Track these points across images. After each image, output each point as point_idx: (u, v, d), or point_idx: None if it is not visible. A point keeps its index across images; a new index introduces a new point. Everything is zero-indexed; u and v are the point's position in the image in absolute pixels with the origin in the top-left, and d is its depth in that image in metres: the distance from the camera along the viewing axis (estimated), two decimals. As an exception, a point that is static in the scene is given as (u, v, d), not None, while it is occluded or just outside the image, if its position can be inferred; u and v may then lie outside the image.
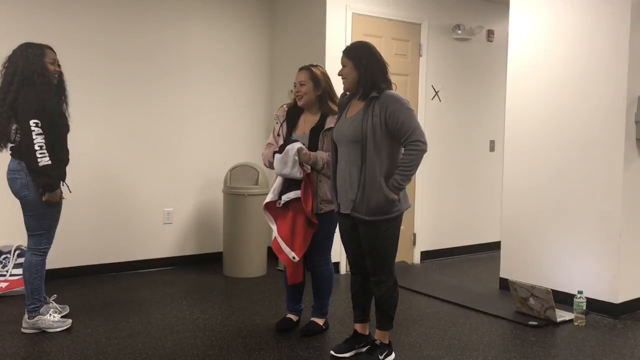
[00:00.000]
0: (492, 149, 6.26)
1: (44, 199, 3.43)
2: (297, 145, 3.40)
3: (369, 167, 2.97)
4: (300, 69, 3.59)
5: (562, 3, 4.32)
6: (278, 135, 3.65)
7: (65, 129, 3.60)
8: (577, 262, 4.21)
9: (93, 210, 4.91)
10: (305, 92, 3.51)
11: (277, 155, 3.47)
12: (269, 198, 3.59)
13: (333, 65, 4.94)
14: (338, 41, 5.02)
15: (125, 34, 5.00)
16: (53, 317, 3.61)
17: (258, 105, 5.77)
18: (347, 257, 3.33)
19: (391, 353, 3.20)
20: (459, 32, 5.78)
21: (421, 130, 2.99)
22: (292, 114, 3.62)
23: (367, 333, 3.33)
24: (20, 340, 3.44)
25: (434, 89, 5.75)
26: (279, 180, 3.57)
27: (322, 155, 3.41)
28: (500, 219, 4.85)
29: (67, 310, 3.88)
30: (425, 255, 5.80)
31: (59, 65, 3.61)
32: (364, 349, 3.25)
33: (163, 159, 5.25)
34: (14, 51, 3.47)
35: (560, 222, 4.32)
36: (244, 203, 4.97)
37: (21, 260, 4.32)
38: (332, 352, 3.27)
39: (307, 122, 3.56)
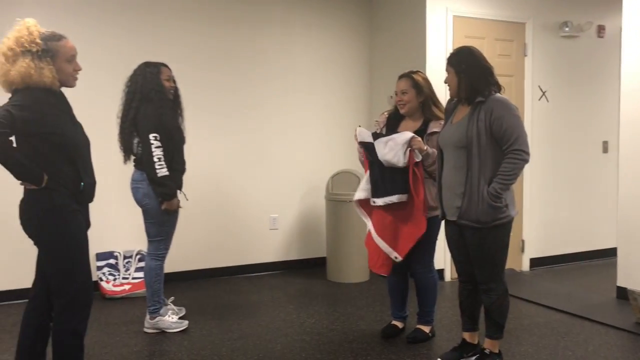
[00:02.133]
0: (605, 150, 5.92)
1: (162, 207, 3.67)
2: (410, 134, 3.33)
3: (474, 173, 2.93)
4: (401, 77, 3.59)
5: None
6: None
7: (182, 141, 3.83)
8: None
9: (205, 217, 5.17)
10: (408, 100, 3.51)
11: (381, 138, 3.42)
12: (360, 195, 3.57)
13: (434, 70, 4.94)
14: (439, 45, 4.98)
15: (228, 47, 5.24)
16: (171, 319, 3.84)
17: (358, 112, 5.83)
18: (455, 264, 3.29)
19: (501, 362, 3.13)
20: (567, 29, 5.53)
21: (525, 139, 2.91)
22: (393, 121, 3.63)
23: (476, 342, 3.27)
24: (143, 339, 3.69)
25: (541, 90, 5.53)
26: (367, 177, 3.54)
27: (434, 153, 3.33)
28: (615, 223, 4.58)
29: (183, 311, 4.11)
30: (535, 262, 5.59)
31: (174, 81, 3.84)
32: (473, 358, 3.19)
33: (268, 167, 5.44)
34: (134, 71, 3.74)
35: (686, 228, 4.02)
36: (345, 209, 5.03)
37: (142, 264, 4.64)
38: (439, 360, 3.24)
39: (407, 128, 3.54)
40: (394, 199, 3.43)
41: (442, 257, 5.02)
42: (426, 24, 4.96)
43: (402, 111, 3.55)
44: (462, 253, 3.14)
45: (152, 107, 3.62)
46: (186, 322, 3.88)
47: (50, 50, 2.55)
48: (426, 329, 3.65)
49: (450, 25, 5.03)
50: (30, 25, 2.53)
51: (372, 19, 5.82)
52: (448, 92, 3.19)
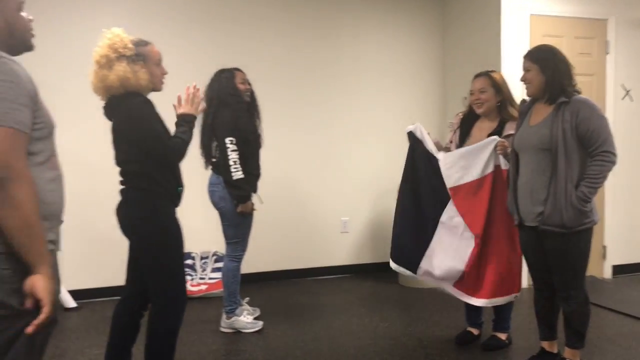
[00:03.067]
0: (695, 151, 5.57)
1: (237, 210, 3.76)
2: (497, 138, 3.22)
3: (559, 177, 2.82)
4: (478, 76, 3.50)
5: None
6: (451, 142, 3.62)
7: (258, 145, 3.91)
8: None
9: (278, 219, 5.26)
10: (486, 99, 3.41)
11: (458, 152, 3.35)
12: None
13: (509, 71, 4.81)
14: (515, 44, 4.85)
15: (299, 48, 5.31)
16: (247, 319, 3.93)
17: (431, 114, 5.76)
18: (530, 271, 3.19)
19: (583, 373, 3.01)
20: (653, 24, 5.26)
21: (612, 141, 2.82)
22: (466, 122, 3.56)
23: (555, 351, 3.16)
24: (219, 338, 3.80)
25: (624, 89, 5.28)
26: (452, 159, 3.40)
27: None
28: None
29: (258, 312, 4.20)
30: (618, 269, 5.33)
31: (249, 84, 3.93)
32: (553, 368, 3.09)
33: (339, 169, 5.47)
34: (212, 78, 3.86)
35: None
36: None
37: (218, 264, 4.78)
38: (517, 369, 3.16)
39: (482, 129, 3.46)
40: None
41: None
42: (501, 23, 4.85)
43: (479, 111, 3.44)
44: (540, 260, 3.04)
45: (229, 111, 3.71)
46: (261, 323, 3.96)
47: (141, 54, 2.67)
48: (502, 336, 3.57)
49: (527, 24, 4.89)
50: (119, 33, 2.65)
51: (444, 18, 5.75)
52: (525, 92, 3.08)
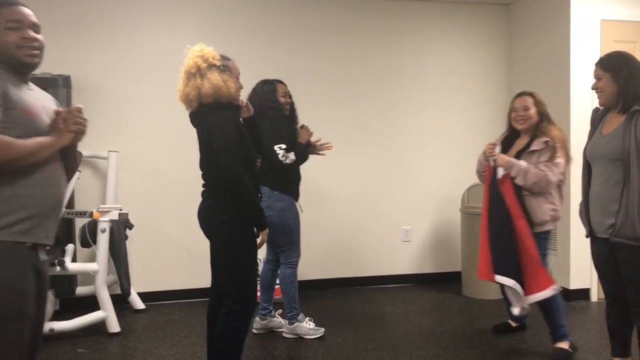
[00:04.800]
0: None
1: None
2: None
3: (632, 188, 2.72)
4: (521, 95, 3.72)
5: None
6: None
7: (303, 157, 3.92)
8: None
9: (340, 228, 5.29)
10: (529, 117, 3.60)
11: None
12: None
13: (579, 79, 4.70)
14: (584, 52, 4.71)
15: (362, 57, 5.34)
16: (309, 325, 3.96)
17: (494, 124, 5.64)
18: (602, 285, 3.07)
19: (659, 394, 2.87)
20: None
21: None
22: (508, 139, 3.75)
23: (629, 368, 3.04)
24: (283, 343, 3.86)
25: None
26: None
27: (520, 164, 3.47)
28: None
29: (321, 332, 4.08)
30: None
31: (290, 97, 3.95)
32: (626, 386, 2.97)
33: (401, 178, 5.45)
34: (254, 89, 3.89)
35: None
36: (481, 223, 4.89)
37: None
38: (587, 385, 3.05)
39: (520, 146, 3.62)
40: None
41: (588, 276, 4.72)
42: (570, 29, 4.72)
43: (521, 127, 3.64)
44: (612, 273, 2.93)
45: (269, 123, 3.73)
46: (322, 330, 3.98)
47: (227, 66, 2.82)
48: (564, 344, 3.51)
49: (597, 29, 4.74)
50: (205, 47, 2.81)
51: (511, 26, 5.64)
52: (597, 101, 3.00)
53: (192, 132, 2.92)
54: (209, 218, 2.85)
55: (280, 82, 3.93)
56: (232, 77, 2.82)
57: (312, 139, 3.97)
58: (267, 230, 2.92)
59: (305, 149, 3.87)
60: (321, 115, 5.21)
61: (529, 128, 3.60)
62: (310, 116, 5.14)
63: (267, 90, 3.85)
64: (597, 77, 2.91)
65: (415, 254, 5.50)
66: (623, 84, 2.79)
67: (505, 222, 3.48)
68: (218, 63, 2.78)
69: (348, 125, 5.31)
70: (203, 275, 4.76)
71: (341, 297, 4.99)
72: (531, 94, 3.67)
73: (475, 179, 5.36)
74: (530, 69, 5.32)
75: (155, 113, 4.88)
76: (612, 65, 2.85)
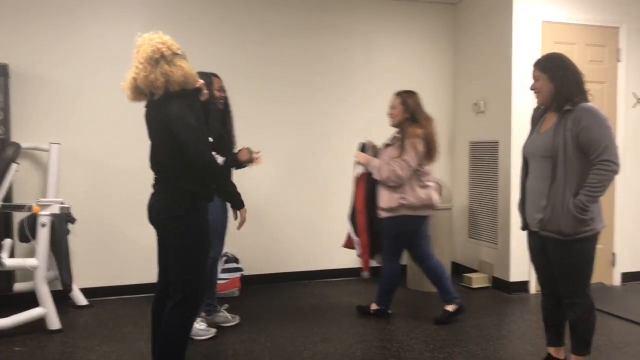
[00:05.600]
0: None
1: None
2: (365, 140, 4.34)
3: (558, 184, 2.84)
4: (394, 94, 4.19)
5: None
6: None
7: (230, 150, 3.85)
8: None
9: (285, 221, 5.30)
10: (394, 115, 4.14)
11: None
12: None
13: (520, 77, 4.84)
14: (526, 52, 4.86)
15: (312, 55, 5.36)
16: (200, 326, 3.81)
17: (441, 118, 5.76)
18: (537, 277, 3.19)
19: (589, 380, 3.02)
20: (665, 32, 5.25)
21: (615, 150, 2.78)
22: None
23: (562, 357, 3.17)
24: (228, 338, 3.83)
25: (635, 97, 5.28)
26: None
27: (374, 162, 4.09)
28: None
29: (237, 320, 4.11)
30: (627, 276, 5.32)
31: (224, 91, 3.86)
32: (560, 374, 3.10)
33: (348, 171, 5.48)
34: None
35: None
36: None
37: (228, 265, 4.85)
38: (523, 374, 3.17)
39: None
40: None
41: (527, 269, 4.89)
42: (512, 30, 4.87)
43: (390, 124, 4.19)
44: (545, 265, 3.06)
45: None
46: (213, 330, 3.85)
47: (183, 56, 2.78)
48: (451, 307, 4.13)
49: (539, 30, 4.90)
50: (162, 34, 2.76)
51: (457, 25, 5.77)
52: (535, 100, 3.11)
53: (138, 123, 2.84)
54: (162, 212, 2.79)
55: (216, 75, 3.83)
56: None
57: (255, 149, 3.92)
58: (245, 209, 2.91)
59: (235, 161, 3.80)
60: (267, 113, 5.22)
61: (396, 124, 4.13)
62: (256, 114, 5.18)
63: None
64: (536, 78, 3.02)
65: (362, 248, 5.56)
66: (559, 84, 2.91)
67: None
68: (180, 52, 2.75)
69: (294, 121, 5.32)
70: (149, 270, 4.69)
71: (288, 292, 5.01)
72: (400, 94, 4.14)
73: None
74: (475, 67, 5.46)
75: (99, 104, 4.76)
76: (549, 67, 2.96)
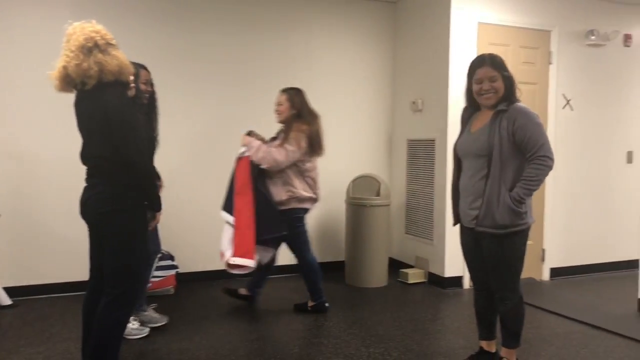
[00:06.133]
0: (629, 160, 5.85)
1: None
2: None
3: (494, 180, 2.91)
4: (280, 92, 4.27)
5: None
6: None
7: (152, 147, 3.65)
8: None
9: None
10: (281, 111, 4.21)
11: None
12: None
13: (457, 76, 4.92)
14: (463, 51, 4.97)
15: (251, 52, 5.29)
16: (132, 325, 3.72)
17: (380, 117, 5.84)
18: (469, 272, 3.26)
19: (519, 372, 3.11)
20: (593, 37, 5.48)
21: (549, 146, 2.89)
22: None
23: (493, 350, 3.25)
24: (162, 337, 3.74)
25: (565, 98, 5.49)
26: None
27: (253, 143, 4.12)
28: (638, 235, 4.52)
29: (165, 320, 3.96)
30: (555, 272, 5.54)
31: (151, 85, 3.72)
32: (491, 366, 3.18)
33: (289, 169, 5.46)
34: None
35: None
36: (365, 213, 5.04)
37: (162, 263, 4.72)
38: (456, 368, 3.23)
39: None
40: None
41: (461, 264, 5.00)
42: (450, 30, 4.95)
43: (277, 120, 4.26)
44: (478, 261, 3.12)
45: None
46: (147, 330, 3.76)
47: (117, 46, 2.70)
48: (311, 303, 4.32)
49: (475, 31, 5.01)
50: (95, 23, 2.66)
51: (396, 24, 5.83)
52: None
53: (65, 115, 2.72)
54: (99, 206, 2.68)
55: (144, 67, 3.65)
56: None
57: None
58: (161, 212, 2.89)
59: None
60: (204, 107, 5.11)
61: (283, 121, 4.22)
62: (190, 109, 5.05)
63: None
64: (493, 78, 2.98)
65: (301, 244, 5.54)
66: (507, 84, 2.98)
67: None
68: (114, 42, 2.66)
69: (233, 117, 5.24)
70: (78, 268, 4.52)
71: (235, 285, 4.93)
72: (286, 91, 4.22)
73: (360, 171, 5.53)
74: (413, 66, 5.53)
75: (23, 93, 4.53)
76: (501, 66, 3.02)
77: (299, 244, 4.26)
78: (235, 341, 3.67)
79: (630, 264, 5.62)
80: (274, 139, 4.27)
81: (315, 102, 5.50)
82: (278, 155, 4.04)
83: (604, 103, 5.70)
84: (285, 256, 5.42)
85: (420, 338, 3.76)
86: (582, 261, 5.67)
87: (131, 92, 2.84)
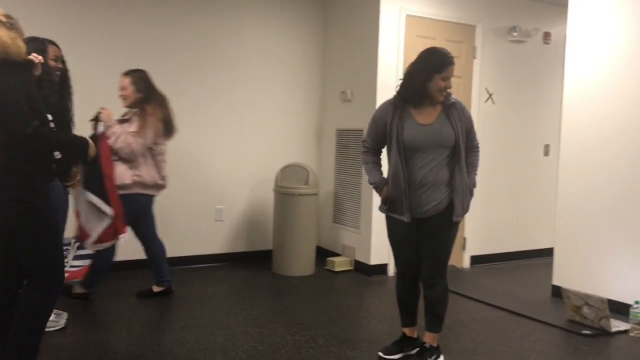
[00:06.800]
0: (546, 153, 6.13)
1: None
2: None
3: (461, 170, 3.05)
4: (122, 75, 4.08)
5: (623, 3, 4.20)
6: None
7: (66, 126, 3.48)
8: (634, 271, 4.09)
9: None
10: (127, 95, 4.04)
11: None
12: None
13: (386, 67, 4.98)
14: (391, 43, 5.03)
15: (179, 39, 5.14)
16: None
17: (309, 106, 5.83)
18: (400, 260, 3.24)
19: (440, 356, 3.19)
20: (515, 34, 5.69)
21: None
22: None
23: (415, 336, 3.33)
24: (80, 328, 3.59)
25: (488, 92, 5.67)
26: None
27: (116, 127, 3.91)
28: (553, 225, 4.75)
29: (64, 316, 3.70)
30: (475, 259, 5.74)
31: (63, 62, 3.55)
32: (413, 352, 3.25)
33: (216, 157, 5.37)
34: None
35: (617, 230, 4.20)
36: (294, 202, 5.03)
37: (80, 252, 4.54)
38: (380, 354, 3.27)
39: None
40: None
41: (386, 252, 5.09)
42: (379, 21, 5.00)
43: (123, 105, 4.08)
44: (412, 251, 3.15)
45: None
46: (64, 321, 3.59)
47: (14, 25, 2.53)
48: (158, 288, 4.28)
49: (403, 24, 5.08)
50: None
51: (326, 14, 5.83)
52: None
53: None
54: (7, 194, 2.52)
55: (53, 43, 3.43)
56: (19, 36, 2.53)
57: None
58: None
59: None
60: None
61: (130, 105, 4.05)
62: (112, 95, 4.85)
63: (36, 49, 3.18)
64: (452, 74, 3.06)
65: (228, 233, 5.48)
66: None
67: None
68: (4, 19, 2.50)
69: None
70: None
71: (148, 279, 4.78)
72: (129, 74, 4.04)
73: (289, 159, 5.51)
74: (343, 55, 5.55)
75: None
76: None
77: (144, 229, 4.22)
78: (157, 331, 3.58)
79: (545, 252, 5.89)
80: (123, 120, 4.06)
81: (243, 91, 5.45)
82: (136, 146, 3.93)
83: (523, 98, 5.94)
84: (209, 245, 5.35)
85: (345, 325, 3.80)
86: (500, 249, 5.90)
87: (36, 71, 2.66)
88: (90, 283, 4.11)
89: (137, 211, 4.07)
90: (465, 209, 3.12)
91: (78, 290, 4.09)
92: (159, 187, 4.17)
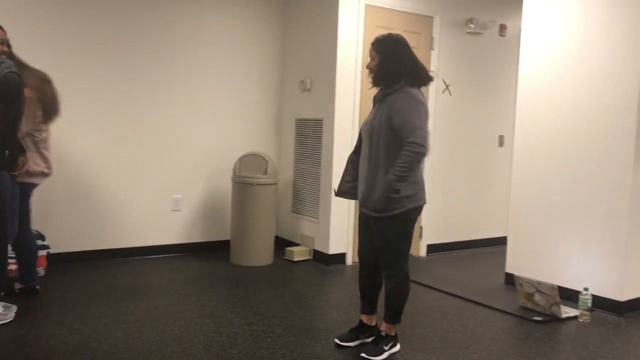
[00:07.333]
0: (501, 144, 6.25)
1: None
2: None
3: (374, 163, 3.00)
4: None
5: (576, -1, 4.30)
6: None
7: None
8: (584, 259, 4.22)
9: (103, 195, 4.95)
10: None
11: None
12: None
13: (345, 57, 4.98)
14: (350, 32, 5.03)
15: (134, 26, 5.02)
16: None
17: (269, 95, 5.79)
18: (359, 250, 3.32)
19: (396, 344, 3.23)
20: (472, 26, 5.76)
21: (422, 133, 2.87)
22: None
23: (373, 324, 3.35)
24: (32, 322, 3.49)
25: (445, 83, 5.74)
26: None
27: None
28: (507, 214, 4.85)
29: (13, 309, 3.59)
30: (432, 248, 5.83)
31: (8, 46, 3.43)
32: (369, 339, 3.28)
33: (173, 146, 5.28)
34: None
35: (568, 219, 4.33)
36: (252, 192, 5.00)
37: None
38: (336, 340, 3.29)
39: None
40: None
41: (345, 242, 5.12)
42: (338, 10, 4.98)
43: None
44: (367, 238, 3.20)
45: None
46: (12, 315, 3.50)
47: None
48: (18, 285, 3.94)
49: (362, 13, 5.08)
50: None
51: (286, 1, 5.78)
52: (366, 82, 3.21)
53: None
54: None
55: None
56: None
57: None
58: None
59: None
60: (86, 83, 4.79)
61: None
62: (74, 87, 4.71)
63: None
64: (370, 57, 3.10)
65: (185, 223, 5.40)
66: (385, 65, 3.04)
67: None
68: None
69: (115, 92, 4.96)
70: None
71: (103, 270, 4.70)
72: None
73: (248, 149, 5.47)
74: (302, 45, 5.52)
75: None
76: (380, 48, 3.08)
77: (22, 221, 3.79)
78: (111, 323, 3.50)
79: (499, 241, 6.03)
80: None
81: (201, 79, 5.37)
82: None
83: (479, 89, 6.04)
84: (164, 236, 5.28)
85: (303, 314, 3.81)
86: (456, 238, 6.01)
87: None
88: (25, 275, 3.92)
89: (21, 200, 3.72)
90: (377, 206, 2.95)
91: (18, 286, 3.93)
92: (45, 175, 3.84)
